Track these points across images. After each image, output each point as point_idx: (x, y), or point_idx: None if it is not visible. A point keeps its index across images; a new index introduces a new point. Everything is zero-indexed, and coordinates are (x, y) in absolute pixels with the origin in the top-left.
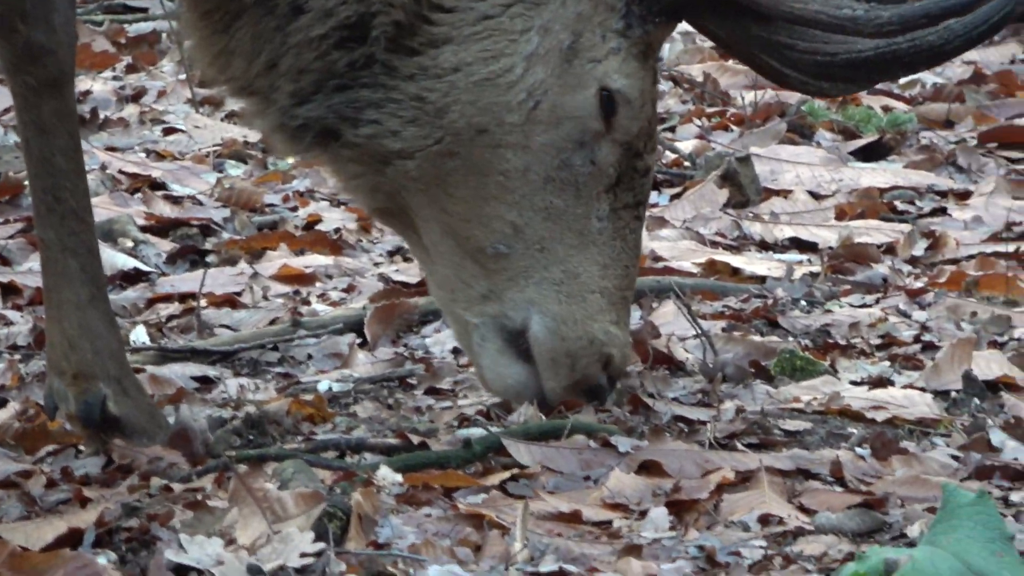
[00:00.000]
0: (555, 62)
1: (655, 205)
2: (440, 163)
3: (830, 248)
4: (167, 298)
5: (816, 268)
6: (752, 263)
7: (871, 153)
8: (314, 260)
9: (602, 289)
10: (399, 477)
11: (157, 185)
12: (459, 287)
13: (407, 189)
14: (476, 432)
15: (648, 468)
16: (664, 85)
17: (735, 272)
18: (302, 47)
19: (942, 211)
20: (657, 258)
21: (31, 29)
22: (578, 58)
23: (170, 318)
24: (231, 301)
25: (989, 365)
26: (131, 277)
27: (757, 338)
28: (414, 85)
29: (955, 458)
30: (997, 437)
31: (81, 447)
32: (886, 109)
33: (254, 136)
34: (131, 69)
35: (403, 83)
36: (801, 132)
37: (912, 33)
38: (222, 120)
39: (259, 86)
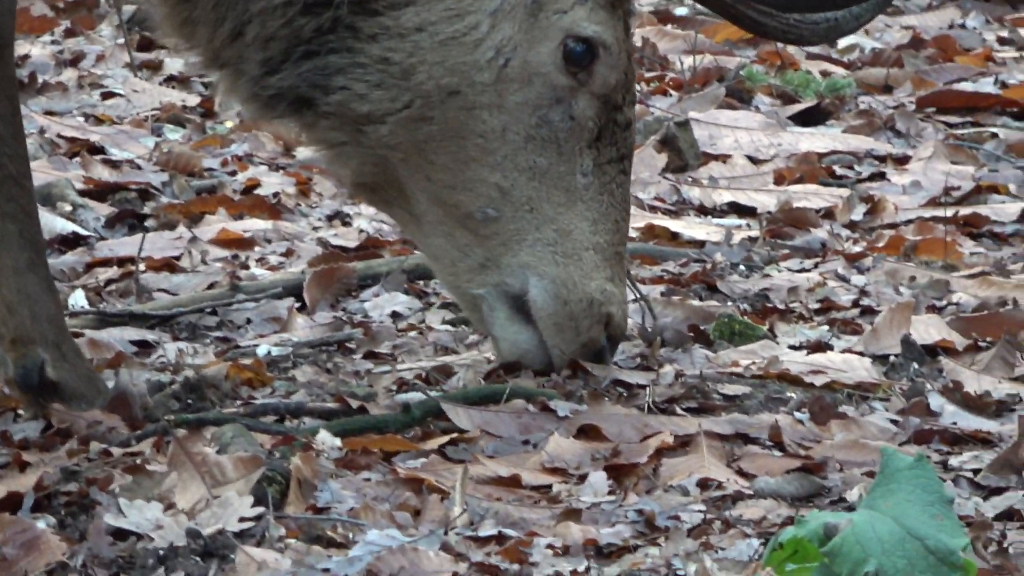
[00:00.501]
0: (521, 17)
1: None
2: (415, 128)
3: (769, 213)
4: (106, 262)
5: (755, 233)
6: (691, 227)
7: (810, 118)
8: (253, 224)
9: (595, 245)
10: (338, 441)
11: (95, 149)
12: (457, 258)
13: (389, 159)
14: (415, 396)
15: (587, 432)
16: None
17: (674, 236)
18: (267, 15)
19: (881, 176)
20: None
21: None
22: (543, 11)
23: (109, 282)
24: (170, 265)
25: (928, 330)
26: (70, 241)
27: (696, 302)
28: (377, 47)
29: (894, 422)
30: (936, 401)
31: (20, 411)
32: (825, 74)
33: (192, 100)
34: (69, 33)
35: (367, 45)
36: (740, 97)
37: None
38: (160, 84)
39: (227, 57)
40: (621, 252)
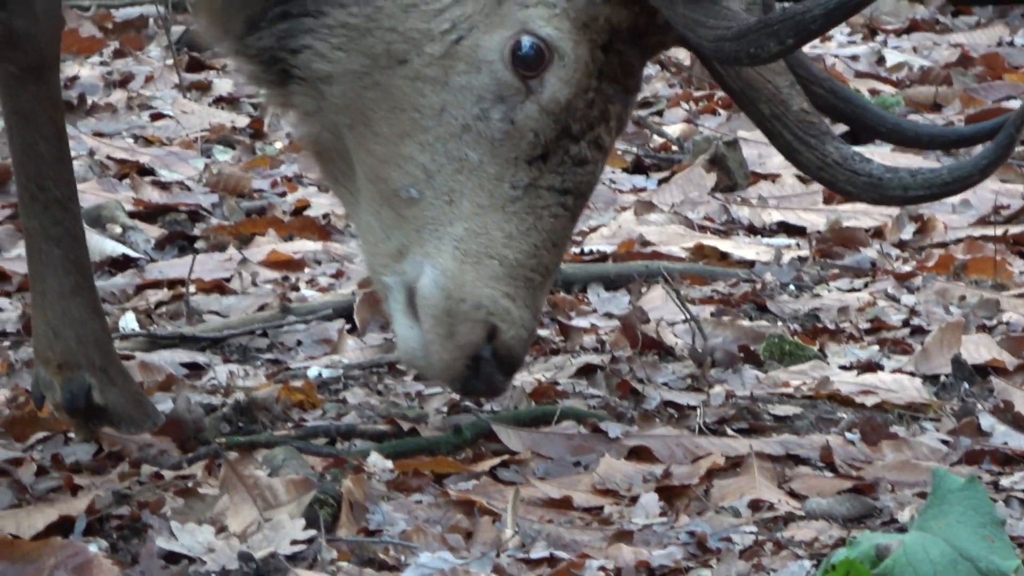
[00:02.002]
0: (487, 0)
1: (643, 189)
2: (363, 93)
3: (818, 232)
4: (156, 284)
5: (804, 252)
6: (740, 247)
7: (858, 136)
8: (303, 246)
9: (501, 257)
10: (389, 464)
11: (145, 171)
12: (379, 239)
13: (340, 126)
14: (466, 418)
15: (638, 454)
16: (651, 69)
17: (723, 257)
18: None
19: None
20: (645, 243)
21: (12, 15)
22: (508, 0)
23: (159, 304)
24: (220, 287)
25: (978, 349)
26: (119, 263)
27: (746, 323)
28: (343, 12)
29: (945, 443)
30: (986, 421)
31: (71, 434)
32: (873, 92)
33: (242, 121)
34: (118, 54)
35: (335, 9)
36: None
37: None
38: (210, 105)
39: (222, 15)
40: (535, 281)
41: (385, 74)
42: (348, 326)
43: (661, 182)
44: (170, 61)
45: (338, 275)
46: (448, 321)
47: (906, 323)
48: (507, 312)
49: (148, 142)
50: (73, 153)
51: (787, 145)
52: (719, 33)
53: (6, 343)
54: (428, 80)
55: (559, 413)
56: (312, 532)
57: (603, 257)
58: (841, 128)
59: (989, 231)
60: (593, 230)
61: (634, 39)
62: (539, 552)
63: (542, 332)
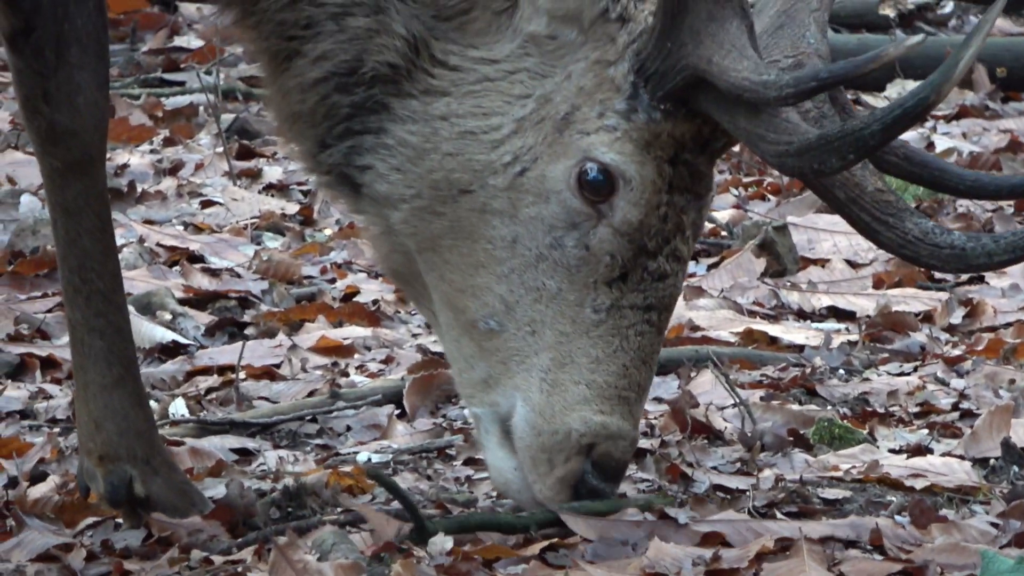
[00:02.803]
0: (548, 130)
1: (693, 275)
2: (428, 221)
3: (868, 317)
4: (206, 370)
5: (854, 337)
6: (790, 332)
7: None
8: (352, 332)
9: (590, 382)
10: (450, 543)
11: (195, 258)
12: (463, 368)
13: (410, 250)
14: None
15: (706, 539)
16: None
17: (773, 341)
18: (305, 91)
19: (979, 279)
20: (695, 327)
21: (54, 111)
22: (569, 128)
23: (209, 390)
24: (270, 373)
25: None
26: (170, 350)
27: (795, 407)
28: (402, 129)
29: (994, 525)
30: None
31: (120, 520)
32: None
33: (291, 208)
34: (168, 142)
35: (395, 126)
36: None
37: (845, 125)
38: (259, 192)
39: (294, 134)
40: (629, 398)
41: (449, 205)
42: (398, 411)
43: (711, 267)
44: (220, 148)
45: (387, 360)
46: (545, 457)
47: (955, 407)
48: (602, 427)
49: (198, 229)
50: (123, 241)
51: (866, 227)
52: (781, 149)
53: (56, 429)
54: (496, 212)
55: (623, 503)
56: None
57: None
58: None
59: None
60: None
61: (700, 148)
62: None
63: None
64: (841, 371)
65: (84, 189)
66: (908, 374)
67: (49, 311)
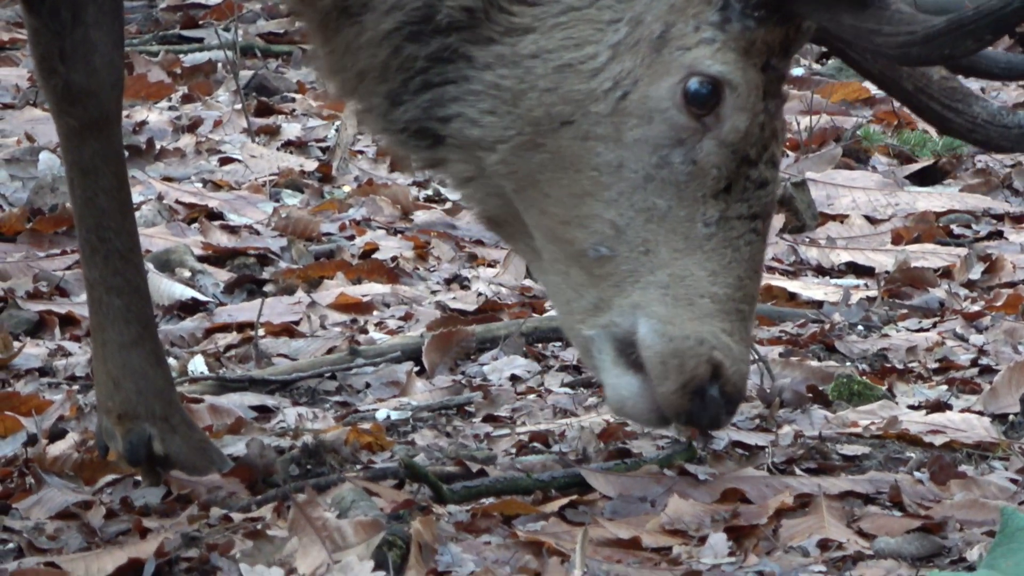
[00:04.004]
0: (644, 51)
1: None
2: (528, 158)
3: (887, 272)
4: (225, 328)
5: (873, 293)
6: (809, 288)
7: (927, 177)
8: (371, 289)
9: (712, 295)
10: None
11: (214, 215)
12: (572, 297)
13: (506, 191)
14: (534, 459)
15: (726, 496)
16: None
17: (792, 297)
18: (374, 45)
19: (998, 234)
20: None
21: (70, 70)
22: (667, 47)
23: (228, 348)
24: (289, 330)
25: None
26: (189, 307)
27: (814, 363)
28: (491, 74)
29: (1014, 481)
30: None
31: (139, 478)
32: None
33: (310, 165)
34: (187, 99)
35: (481, 72)
36: (856, 157)
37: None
38: (278, 149)
39: (361, 93)
40: (744, 311)
41: (550, 137)
42: (416, 368)
43: None
44: (238, 105)
45: (406, 318)
46: (676, 362)
47: (974, 363)
48: (728, 348)
49: (217, 186)
50: (141, 198)
51: (936, 115)
52: (902, 39)
53: (75, 387)
54: (600, 138)
55: (643, 461)
56: (381, 574)
57: None
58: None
59: None
60: None
61: (785, 52)
62: None
63: None
64: (860, 327)
65: (101, 148)
66: (927, 330)
67: (68, 268)
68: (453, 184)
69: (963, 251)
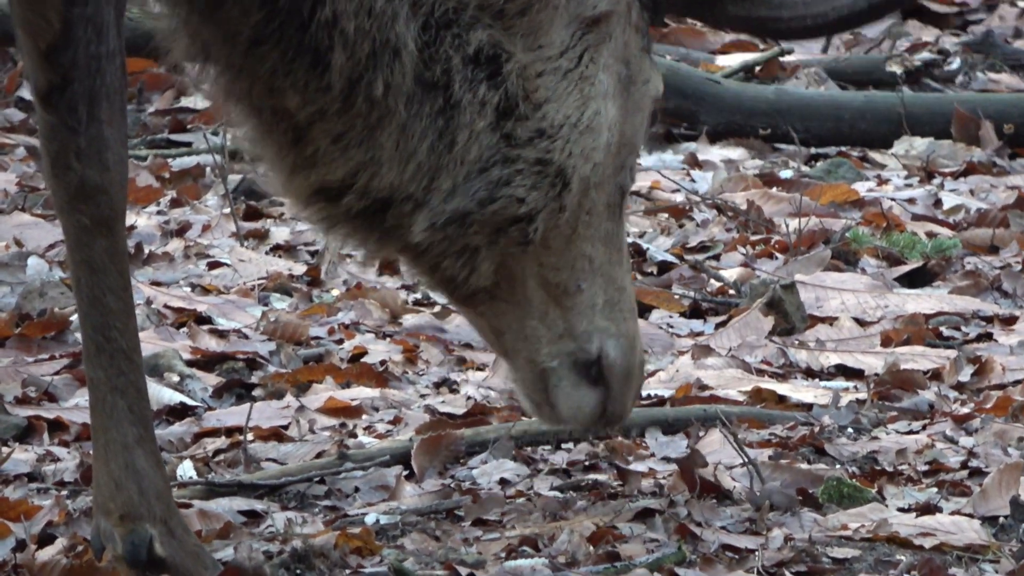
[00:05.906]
0: (620, 94)
1: (700, 334)
2: (555, 220)
3: (876, 375)
4: (214, 432)
5: (862, 395)
6: (798, 391)
7: (916, 279)
8: (360, 392)
9: (631, 302)
10: None
11: (203, 319)
12: (543, 335)
13: (513, 254)
14: (523, 563)
15: None
16: (708, 213)
17: (781, 400)
18: (467, 140)
19: (988, 336)
20: (703, 386)
21: (85, 167)
22: (634, 84)
23: (217, 452)
24: (278, 435)
25: None
26: (177, 412)
27: (804, 466)
28: (533, 149)
29: None
30: None
31: None
32: (930, 235)
33: (299, 269)
34: (175, 203)
35: (523, 150)
36: (845, 259)
37: None
38: (267, 253)
39: (412, 190)
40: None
41: (575, 196)
42: (406, 472)
43: (718, 326)
44: (227, 209)
45: (395, 421)
46: (636, 372)
47: (964, 465)
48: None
49: (205, 291)
50: None
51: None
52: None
53: (64, 492)
54: (595, 186)
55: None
56: None
57: (661, 401)
58: None
59: None
60: (651, 374)
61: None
62: None
63: (600, 477)
64: (850, 429)
65: (109, 247)
66: (917, 432)
67: (56, 373)
68: (416, 264)
69: (952, 353)
